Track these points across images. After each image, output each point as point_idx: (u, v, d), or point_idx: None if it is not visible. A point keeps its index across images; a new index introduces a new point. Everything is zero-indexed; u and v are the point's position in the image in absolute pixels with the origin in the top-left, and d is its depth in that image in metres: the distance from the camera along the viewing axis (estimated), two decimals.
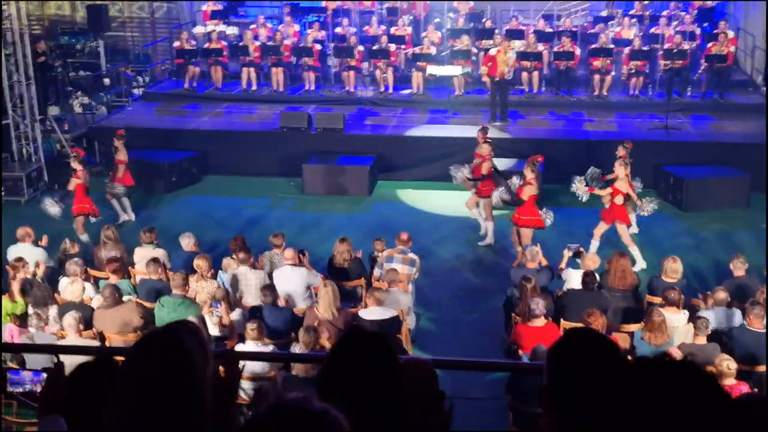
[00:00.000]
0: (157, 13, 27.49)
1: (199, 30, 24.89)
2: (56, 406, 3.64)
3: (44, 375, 3.89)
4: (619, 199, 14.76)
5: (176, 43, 23.44)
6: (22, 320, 11.18)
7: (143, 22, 27.35)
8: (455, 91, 22.18)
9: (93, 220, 15.62)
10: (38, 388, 3.86)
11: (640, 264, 14.44)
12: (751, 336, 9.89)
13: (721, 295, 10.71)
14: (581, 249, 12.44)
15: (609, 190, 14.92)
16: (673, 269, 11.51)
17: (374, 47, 22.55)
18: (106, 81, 23.54)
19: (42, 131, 19.60)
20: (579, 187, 15.31)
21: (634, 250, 14.56)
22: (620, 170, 14.85)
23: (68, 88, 23.32)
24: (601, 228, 14.86)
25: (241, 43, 23.37)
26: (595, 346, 3.00)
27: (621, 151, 15.69)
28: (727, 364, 8.81)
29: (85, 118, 21.78)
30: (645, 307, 11.43)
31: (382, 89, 22.57)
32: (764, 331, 9.92)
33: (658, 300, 11.10)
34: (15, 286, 11.47)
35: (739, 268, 11.74)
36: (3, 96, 19.08)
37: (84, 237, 15.12)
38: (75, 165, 15.60)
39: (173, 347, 2.85)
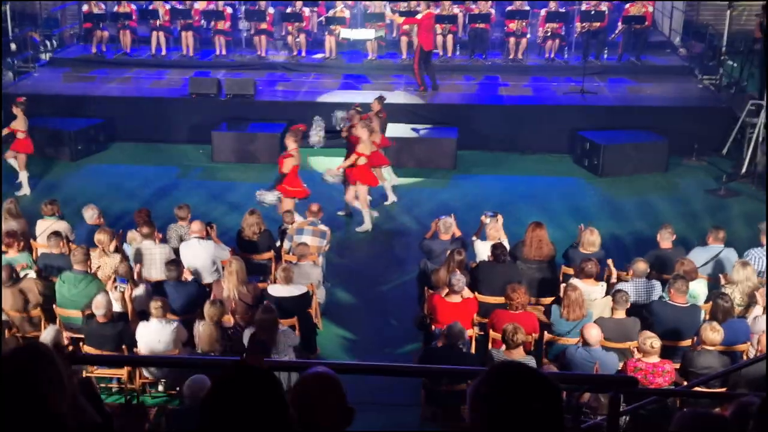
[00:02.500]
0: None
1: None
2: None
3: None
4: (362, 161, 14.66)
5: (85, 7, 22.77)
6: None
7: None
8: (368, 55, 21.83)
9: None
10: None
11: (366, 226, 14.76)
12: (673, 310, 9.72)
13: (641, 266, 10.51)
14: (499, 217, 12.15)
15: (353, 158, 14.73)
16: (591, 241, 11.30)
17: (287, 10, 22.12)
18: (13, 46, 22.76)
19: None
20: (329, 174, 15.23)
21: (366, 214, 14.82)
22: (362, 133, 14.68)
23: None
24: (363, 190, 14.85)
25: (150, 7, 22.74)
26: (526, 386, 2.74)
27: (359, 114, 15.50)
28: (651, 342, 8.65)
29: None
30: (561, 278, 11.25)
31: (295, 54, 22.14)
32: (686, 305, 9.77)
33: (574, 272, 10.90)
34: None
35: (666, 239, 11.52)
36: None
37: None
38: None
39: (17, 378, 2.55)
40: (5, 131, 16.35)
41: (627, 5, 21.61)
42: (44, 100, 19.01)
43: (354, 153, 14.70)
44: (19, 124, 16.26)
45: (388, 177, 16.17)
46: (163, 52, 22.43)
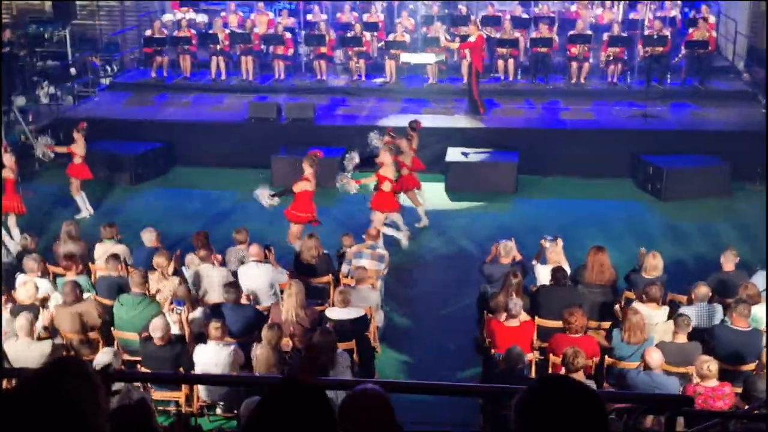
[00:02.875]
0: (126, 1, 26.96)
1: (167, 18, 24.36)
2: None
3: None
4: (386, 186, 14.53)
5: (148, 32, 22.87)
6: None
7: (112, 11, 26.74)
8: (429, 79, 21.76)
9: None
10: None
11: (404, 243, 14.77)
12: (734, 334, 9.51)
13: (703, 290, 10.31)
14: (559, 240, 11.98)
15: (374, 177, 14.69)
16: (653, 265, 11.09)
17: (347, 35, 22.14)
18: (73, 70, 23.00)
19: (6, 122, 19.11)
20: (344, 181, 14.90)
21: (393, 232, 14.85)
22: (385, 157, 14.57)
23: (34, 78, 22.80)
24: (378, 218, 14.56)
25: (210, 31, 22.87)
26: (571, 400, 2.61)
27: (386, 138, 15.46)
28: (708, 365, 8.45)
29: (50, 108, 21.33)
30: (622, 302, 11.03)
31: (355, 78, 22.13)
32: (748, 329, 9.55)
33: (636, 295, 10.71)
34: None
35: (730, 261, 11.31)
36: None
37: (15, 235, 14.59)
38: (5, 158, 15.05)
39: (50, 397, 2.48)
40: (64, 150, 16.43)
41: (691, 30, 21.37)
42: (104, 124, 19.15)
43: (377, 176, 14.64)
44: (78, 149, 16.33)
45: (421, 200, 16.03)
46: (223, 77, 22.50)
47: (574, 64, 21.49)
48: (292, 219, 14.07)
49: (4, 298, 10.79)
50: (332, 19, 23.79)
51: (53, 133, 19.04)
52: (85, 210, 16.47)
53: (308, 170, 14.05)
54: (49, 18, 24.89)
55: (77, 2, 24.32)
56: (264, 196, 14.31)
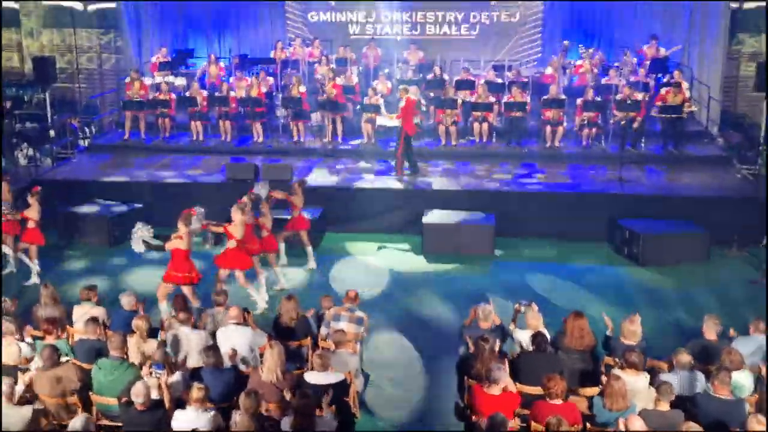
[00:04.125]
0: (105, 65, 27.15)
1: (147, 81, 24.51)
2: None
3: None
4: (231, 243, 14.73)
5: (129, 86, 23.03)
6: None
7: (92, 74, 26.95)
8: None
9: None
10: None
11: (261, 306, 14.86)
12: (717, 402, 9.49)
13: (684, 357, 10.30)
14: (533, 305, 12.01)
15: (221, 230, 14.93)
16: (632, 331, 11.09)
17: (320, 98, 22.32)
18: (52, 133, 23.05)
19: None
20: (140, 236, 14.86)
21: (252, 291, 14.95)
22: (236, 215, 14.70)
23: (13, 140, 22.83)
24: (222, 274, 14.89)
25: (188, 93, 22.96)
26: None
27: (244, 198, 15.55)
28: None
29: (29, 170, 21.34)
30: (602, 368, 11.04)
31: (330, 139, 22.37)
32: (730, 398, 9.56)
33: (616, 362, 10.71)
34: None
35: (711, 329, 11.29)
36: None
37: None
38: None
39: None
40: (18, 216, 16.35)
41: (663, 91, 21.58)
42: (82, 185, 19.15)
43: (225, 230, 14.84)
44: (32, 213, 16.24)
45: (278, 261, 16.32)
46: (201, 138, 22.61)
47: (549, 128, 21.69)
48: (165, 278, 14.17)
49: None
50: (307, 82, 24.00)
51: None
52: (35, 277, 16.38)
53: (183, 229, 14.10)
54: (29, 81, 25.03)
55: (57, 65, 24.38)
56: (139, 236, 14.53)
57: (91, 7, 27.16)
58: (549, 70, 23.76)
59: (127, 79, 23.30)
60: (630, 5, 25.36)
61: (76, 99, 26.00)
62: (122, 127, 23.59)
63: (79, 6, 26.83)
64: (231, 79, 23.90)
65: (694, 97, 23.16)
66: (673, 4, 24.64)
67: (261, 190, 15.90)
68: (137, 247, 14.58)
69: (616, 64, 23.85)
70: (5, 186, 15.94)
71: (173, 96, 22.90)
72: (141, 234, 14.78)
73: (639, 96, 21.52)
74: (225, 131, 22.52)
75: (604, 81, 23.23)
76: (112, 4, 26.98)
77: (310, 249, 17.02)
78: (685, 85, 21.92)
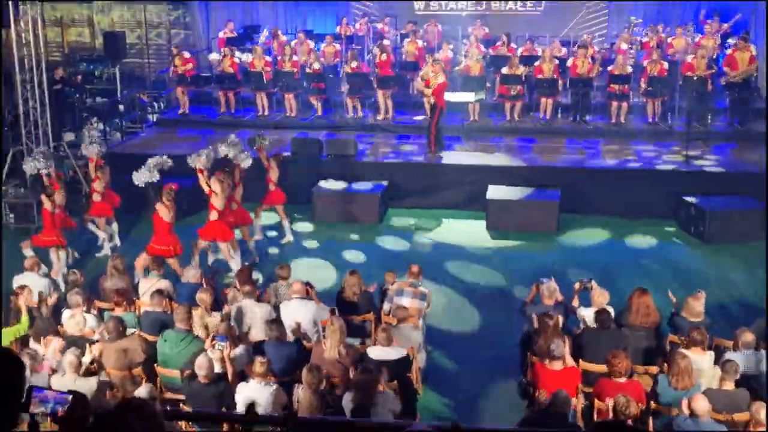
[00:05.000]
0: (174, 40, 27.34)
1: (214, 57, 24.64)
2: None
3: (69, 397, 3.72)
4: (213, 215, 14.91)
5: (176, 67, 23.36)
6: (23, 343, 11.09)
7: (160, 49, 27.17)
8: (470, 117, 21.80)
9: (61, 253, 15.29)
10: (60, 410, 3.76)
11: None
12: None
13: (749, 336, 10.17)
14: (592, 283, 11.92)
15: (207, 189, 15.08)
16: (696, 309, 10.99)
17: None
18: (121, 107, 23.31)
19: (57, 157, 19.38)
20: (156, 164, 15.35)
21: (234, 263, 14.88)
22: (215, 186, 14.88)
23: (84, 115, 23.13)
24: (198, 245, 15.17)
25: (249, 62, 23.18)
26: None
27: (218, 172, 15.50)
28: (765, 412, 8.35)
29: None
30: (667, 346, 10.95)
31: (389, 115, 22.45)
32: None
33: (681, 340, 10.61)
34: (21, 307, 11.48)
35: None
36: (18, 122, 19.56)
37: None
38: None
39: None
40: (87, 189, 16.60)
41: (730, 51, 21.28)
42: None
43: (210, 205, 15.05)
44: (97, 185, 16.50)
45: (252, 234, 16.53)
46: (266, 113, 22.76)
47: (614, 103, 21.46)
48: (149, 250, 14.38)
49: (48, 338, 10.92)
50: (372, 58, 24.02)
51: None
52: (107, 246, 16.65)
53: (165, 203, 14.57)
54: (100, 56, 25.28)
55: (127, 41, 24.63)
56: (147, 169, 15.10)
57: None
58: (623, 45, 23.25)
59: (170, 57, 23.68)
60: None
61: (146, 74, 26.21)
62: (192, 103, 23.84)
63: None
64: (292, 43, 24.30)
65: (760, 71, 22.62)
66: None
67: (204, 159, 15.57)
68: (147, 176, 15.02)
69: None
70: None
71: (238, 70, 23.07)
72: (159, 162, 15.18)
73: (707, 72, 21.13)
74: (290, 106, 22.61)
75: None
76: None
77: (287, 223, 17.11)
78: (753, 49, 21.44)
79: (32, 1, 19.39)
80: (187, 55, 23.51)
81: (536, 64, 21.83)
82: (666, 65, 21.35)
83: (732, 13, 24.11)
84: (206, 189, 15.06)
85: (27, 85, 19.32)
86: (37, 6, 19.76)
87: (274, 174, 16.71)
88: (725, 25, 23.58)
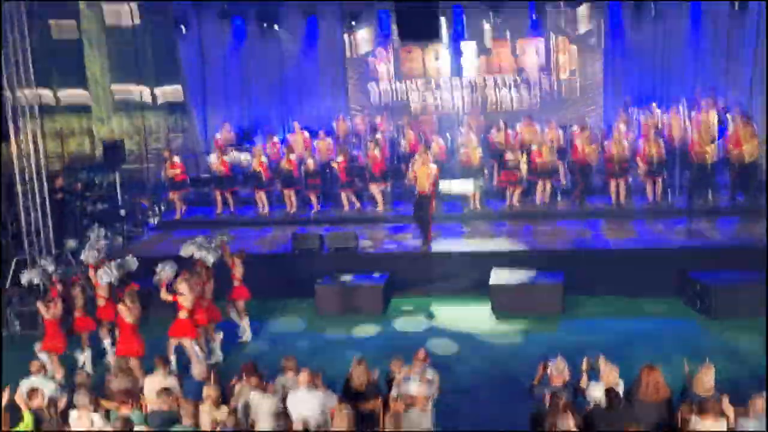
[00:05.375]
0: (173, 144, 27.60)
1: (213, 159, 24.84)
2: None
3: None
4: (182, 314, 15.05)
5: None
6: None
7: (159, 153, 27.40)
8: (470, 205, 21.87)
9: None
10: None
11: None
12: None
13: (760, 402, 10.11)
14: (601, 359, 11.83)
15: (170, 298, 15.14)
16: (707, 382, 10.93)
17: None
18: (122, 212, 23.47)
19: (58, 264, 19.50)
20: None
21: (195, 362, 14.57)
22: (182, 287, 15.06)
23: (85, 222, 23.26)
24: (171, 344, 15.17)
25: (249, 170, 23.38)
26: None
27: (184, 271, 15.71)
28: None
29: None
30: (678, 420, 10.84)
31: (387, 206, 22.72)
32: None
33: (693, 409, 10.52)
34: (22, 407, 11.41)
35: None
36: (20, 232, 19.87)
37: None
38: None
39: None
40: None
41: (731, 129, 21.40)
42: (153, 262, 19.29)
43: (175, 299, 15.14)
44: (101, 290, 16.42)
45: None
46: (266, 210, 22.90)
47: (613, 182, 21.53)
48: (117, 352, 14.73)
49: None
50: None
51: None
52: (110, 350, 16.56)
53: (128, 303, 14.68)
54: (99, 163, 25.52)
55: (126, 148, 24.90)
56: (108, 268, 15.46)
57: (159, 91, 27.73)
58: (622, 126, 23.20)
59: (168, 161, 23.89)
60: (689, 67, 25.20)
61: (145, 179, 26.39)
62: (193, 204, 24.12)
63: (146, 90, 27.39)
64: (288, 136, 25.11)
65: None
66: (734, 61, 24.43)
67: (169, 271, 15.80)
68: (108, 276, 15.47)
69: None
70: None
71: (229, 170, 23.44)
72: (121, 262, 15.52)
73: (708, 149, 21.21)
74: (290, 202, 22.89)
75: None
76: (178, 87, 27.53)
77: (246, 321, 17.18)
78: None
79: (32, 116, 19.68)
80: (176, 160, 23.67)
81: (534, 148, 21.91)
82: (662, 144, 21.48)
83: (727, 89, 24.28)
84: (167, 299, 15.24)
85: (28, 195, 19.57)
86: (37, 119, 19.99)
87: (238, 271, 16.94)
88: (721, 101, 23.70)
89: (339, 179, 22.89)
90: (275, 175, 23.07)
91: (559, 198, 22.31)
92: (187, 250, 16.27)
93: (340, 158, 22.66)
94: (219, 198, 23.42)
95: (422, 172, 19.65)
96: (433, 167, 19.83)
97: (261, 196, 23.04)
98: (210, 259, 16.32)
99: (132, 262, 15.90)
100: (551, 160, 21.81)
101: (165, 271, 15.50)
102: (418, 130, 24.89)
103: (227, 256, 16.99)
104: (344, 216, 22.41)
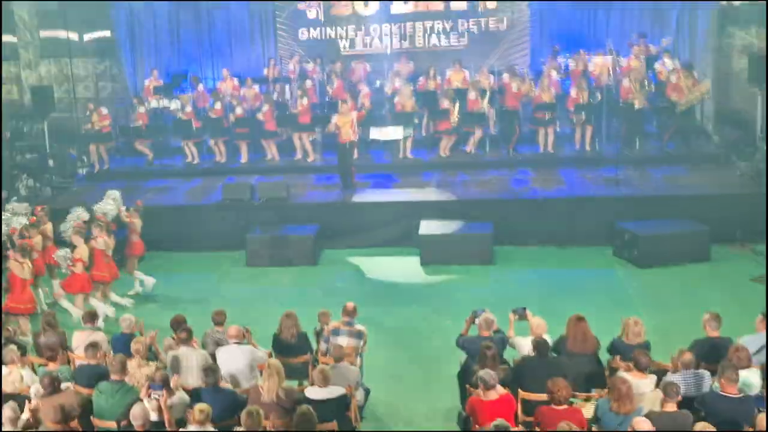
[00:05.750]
0: (102, 93, 27.15)
1: (141, 108, 24.43)
2: None
3: None
4: (78, 268, 15.22)
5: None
6: None
7: (89, 102, 26.92)
8: (400, 153, 21.84)
9: None
10: None
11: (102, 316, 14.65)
12: (725, 401, 9.29)
13: (687, 357, 10.14)
14: (527, 312, 11.87)
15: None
16: (636, 332, 10.97)
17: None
18: (51, 162, 23.10)
19: None
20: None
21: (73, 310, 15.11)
22: (77, 239, 15.33)
23: (14, 172, 22.87)
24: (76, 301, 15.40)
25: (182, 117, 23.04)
26: None
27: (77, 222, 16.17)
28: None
29: (29, 200, 21.32)
30: (607, 370, 10.93)
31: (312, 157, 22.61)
32: (739, 395, 9.41)
33: (622, 364, 10.61)
34: None
35: (713, 327, 11.12)
36: None
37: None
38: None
39: None
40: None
41: (673, 78, 21.50)
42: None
43: (73, 259, 15.27)
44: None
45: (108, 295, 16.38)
46: (196, 160, 22.65)
47: (542, 132, 21.59)
48: (4, 307, 14.53)
49: None
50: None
51: None
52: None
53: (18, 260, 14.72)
54: (28, 112, 25.05)
55: (55, 96, 24.44)
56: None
57: (88, 38, 27.18)
58: (553, 73, 23.14)
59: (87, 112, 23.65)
60: (616, 10, 25.21)
61: (75, 128, 25.95)
62: (120, 154, 23.87)
63: (75, 37, 26.83)
64: (218, 84, 24.76)
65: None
66: (659, 5, 24.49)
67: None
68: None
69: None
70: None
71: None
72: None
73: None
74: (219, 151, 22.63)
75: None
76: (107, 33, 27.03)
77: (138, 274, 17.15)
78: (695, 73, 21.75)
79: None
80: (104, 111, 23.36)
81: (472, 96, 21.88)
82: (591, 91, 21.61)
83: (656, 36, 24.39)
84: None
85: None
86: None
87: (137, 224, 16.99)
88: (653, 48, 23.80)
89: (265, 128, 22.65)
90: (204, 124, 22.76)
91: (487, 148, 22.24)
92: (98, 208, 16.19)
93: (265, 107, 22.43)
94: (146, 148, 23.21)
95: (343, 121, 19.70)
96: (353, 115, 19.89)
97: (190, 146, 22.72)
98: (112, 212, 16.42)
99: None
100: (484, 108, 21.77)
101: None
102: (345, 76, 24.70)
103: (122, 215, 16.99)
104: (273, 166, 22.18)
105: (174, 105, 23.94)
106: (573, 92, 21.67)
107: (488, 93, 22.05)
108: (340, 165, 20.29)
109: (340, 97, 22.23)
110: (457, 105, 21.82)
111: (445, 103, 21.85)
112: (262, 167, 22.20)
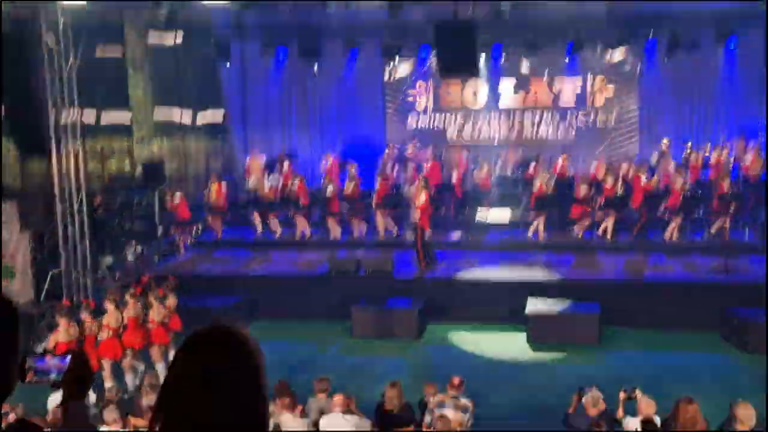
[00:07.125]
0: (212, 167, 27.75)
1: (253, 182, 24.86)
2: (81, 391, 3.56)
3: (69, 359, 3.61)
4: (106, 333, 15.33)
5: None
6: None
7: (198, 175, 27.51)
8: (537, 234, 22.00)
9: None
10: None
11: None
12: None
13: None
14: (637, 392, 11.70)
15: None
16: (746, 415, 10.76)
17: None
18: (159, 230, 23.62)
19: (94, 280, 19.99)
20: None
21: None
22: (109, 306, 15.39)
23: (123, 240, 23.44)
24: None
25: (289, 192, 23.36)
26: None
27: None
28: None
29: (136, 265, 21.82)
30: None
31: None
32: None
33: None
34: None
35: None
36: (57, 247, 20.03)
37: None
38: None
39: (243, 343, 2.74)
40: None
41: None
42: (188, 280, 19.44)
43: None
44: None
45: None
46: (308, 235, 23.02)
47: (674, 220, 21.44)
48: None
49: None
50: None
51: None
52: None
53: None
54: (138, 184, 25.67)
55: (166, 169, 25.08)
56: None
57: (201, 120, 27.85)
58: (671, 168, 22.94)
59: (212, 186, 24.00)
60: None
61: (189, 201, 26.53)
62: (227, 225, 24.23)
63: (187, 119, 27.50)
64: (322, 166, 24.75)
65: None
66: None
67: None
68: None
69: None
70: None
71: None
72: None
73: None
74: (329, 227, 22.98)
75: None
76: (219, 110, 27.71)
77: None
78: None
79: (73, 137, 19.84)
80: (223, 188, 23.90)
81: (609, 183, 21.81)
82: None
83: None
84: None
85: (67, 212, 19.81)
86: (78, 140, 20.17)
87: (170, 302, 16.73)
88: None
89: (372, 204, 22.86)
90: (314, 201, 23.21)
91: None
92: None
93: (378, 182, 22.63)
94: (258, 220, 23.50)
95: (417, 202, 19.97)
96: (423, 196, 19.90)
97: (300, 221, 23.03)
98: None
99: None
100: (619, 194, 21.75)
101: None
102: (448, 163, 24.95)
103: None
104: (380, 241, 22.38)
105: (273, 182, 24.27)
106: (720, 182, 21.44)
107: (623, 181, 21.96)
108: (416, 245, 20.35)
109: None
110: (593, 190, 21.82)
111: (583, 189, 21.76)
112: (369, 241, 22.48)
